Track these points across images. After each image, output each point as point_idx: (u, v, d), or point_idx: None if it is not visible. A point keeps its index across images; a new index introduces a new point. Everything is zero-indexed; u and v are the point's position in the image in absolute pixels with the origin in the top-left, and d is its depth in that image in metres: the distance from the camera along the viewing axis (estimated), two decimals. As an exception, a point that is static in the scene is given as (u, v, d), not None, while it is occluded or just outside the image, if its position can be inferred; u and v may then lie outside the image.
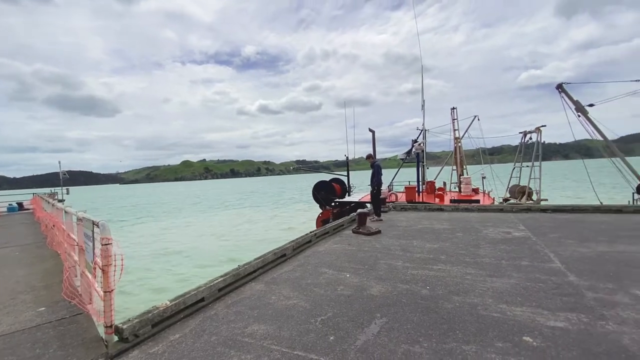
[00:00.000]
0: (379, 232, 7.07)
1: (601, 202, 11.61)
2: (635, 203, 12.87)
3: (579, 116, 13.44)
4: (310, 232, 6.65)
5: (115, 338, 2.71)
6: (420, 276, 4.11)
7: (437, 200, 15.29)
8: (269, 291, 3.83)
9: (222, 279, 3.80)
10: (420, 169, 16.68)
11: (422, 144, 17.03)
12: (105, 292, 2.67)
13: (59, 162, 22.12)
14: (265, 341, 2.66)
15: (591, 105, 13.33)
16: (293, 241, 5.78)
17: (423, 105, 19.61)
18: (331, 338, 2.66)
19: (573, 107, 13.52)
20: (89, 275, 3.40)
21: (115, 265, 2.68)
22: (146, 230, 27.41)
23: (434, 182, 19.11)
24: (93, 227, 3.03)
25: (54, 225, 7.14)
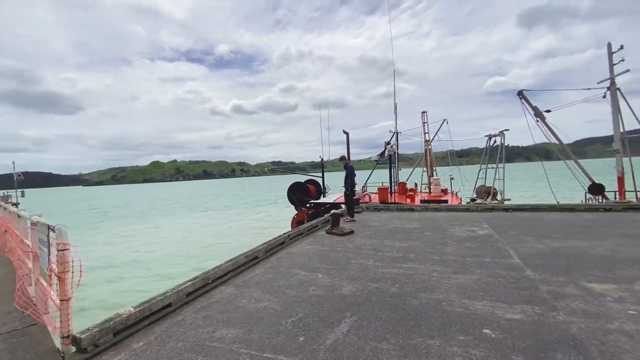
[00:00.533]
0: (352, 232, 7.18)
1: (557, 202, 12.44)
2: (587, 202, 13.91)
3: (538, 121, 14.36)
4: (284, 234, 6.63)
5: (73, 349, 2.56)
6: (390, 275, 4.22)
7: (408, 200, 15.74)
8: (239, 294, 3.78)
9: (190, 283, 3.71)
10: (392, 170, 17.10)
11: (394, 146, 17.48)
12: (61, 300, 2.52)
13: (13, 163, 20.55)
14: (234, 345, 2.62)
15: (548, 111, 14.29)
16: (265, 243, 5.73)
17: (396, 109, 20.14)
18: (301, 339, 2.67)
19: (532, 112, 14.42)
20: (44, 283, 3.20)
21: (73, 272, 2.54)
22: (101, 236, 26.06)
23: (406, 183, 19.65)
24: (48, 231, 2.85)
25: (5, 231, 6.63)
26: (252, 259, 5.04)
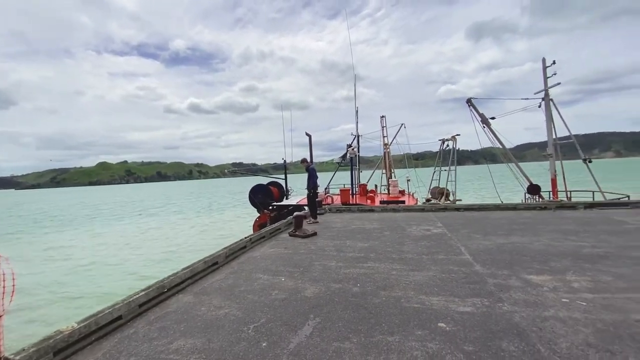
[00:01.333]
0: (315, 234, 7.21)
1: (501, 201, 13.57)
2: (526, 201, 15.33)
3: (484, 127, 15.56)
4: (245, 238, 6.47)
5: (3, 374, 2.27)
6: (352, 275, 4.31)
7: (368, 201, 16.20)
8: (198, 302, 3.61)
9: (143, 293, 3.47)
10: (354, 172, 17.49)
11: (355, 149, 17.89)
12: (-12, 320, 2.22)
13: None
14: (192, 356, 2.50)
15: (493, 118, 15.56)
16: (226, 248, 5.55)
17: (357, 113, 20.65)
18: (264, 344, 2.62)
19: (479, 119, 15.60)
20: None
21: (4, 287, 2.26)
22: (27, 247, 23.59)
23: (366, 185, 20.21)
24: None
25: None
26: (211, 265, 4.85)
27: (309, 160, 9.81)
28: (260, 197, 16.65)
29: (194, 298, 3.76)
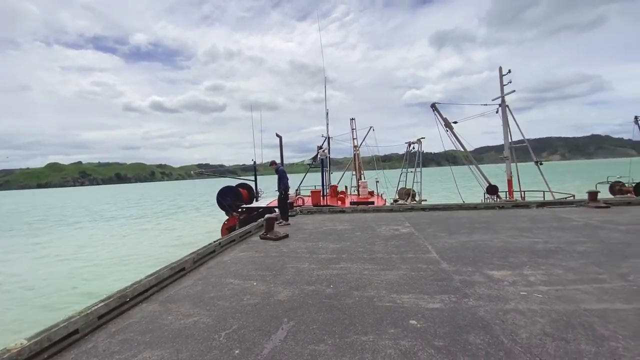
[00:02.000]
0: (286, 236, 7.14)
1: (463, 201, 14.33)
2: (485, 201, 16.31)
3: (447, 131, 16.35)
4: (214, 242, 6.27)
5: None
6: (325, 276, 4.32)
7: (339, 203, 16.36)
8: (164, 311, 3.43)
9: (103, 303, 3.23)
10: (324, 174, 17.61)
11: (326, 151, 18.03)
12: None
13: None
14: (160, 368, 2.37)
15: (455, 122, 16.42)
16: (194, 252, 5.34)
17: (327, 115, 20.82)
18: (236, 352, 2.54)
19: (443, 123, 16.39)
20: None
21: None
22: None
23: (337, 186, 20.41)
24: None
25: None
26: (178, 271, 4.63)
27: (278, 162, 9.76)
28: (229, 199, 16.23)
29: (160, 307, 3.56)
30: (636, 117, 17.64)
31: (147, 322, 3.17)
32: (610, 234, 6.04)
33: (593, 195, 9.90)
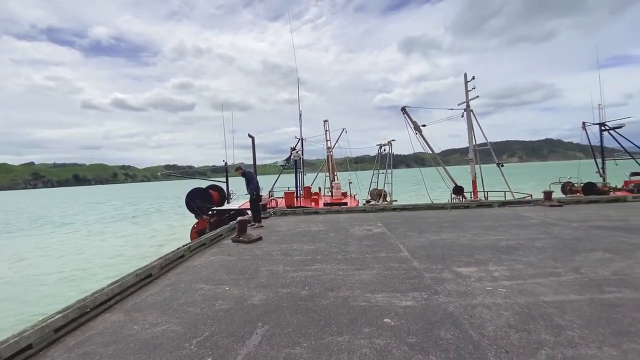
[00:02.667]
0: (260, 238, 7.02)
1: (432, 201, 14.86)
2: (452, 201, 17.03)
3: (416, 133, 16.92)
4: (184, 246, 6.03)
5: None
6: (300, 278, 4.29)
7: (313, 204, 16.37)
8: (129, 320, 3.24)
9: (60, 315, 2.99)
10: (298, 175, 17.54)
11: (299, 152, 17.99)
12: None
13: None
14: (126, 381, 2.23)
15: (424, 125, 17.04)
16: (161, 257, 5.09)
17: (300, 116, 20.79)
18: (209, 359, 2.45)
19: (412, 126, 16.93)
20: None
21: None
22: None
23: (310, 188, 20.41)
24: None
25: None
26: (144, 278, 4.39)
27: (244, 166, 9.42)
28: (199, 201, 15.70)
29: (125, 316, 3.36)
30: (584, 123, 19.24)
31: (110, 333, 2.98)
32: (564, 230, 6.49)
33: (548, 194, 10.63)
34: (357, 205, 15.79)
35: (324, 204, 16.32)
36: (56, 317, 2.96)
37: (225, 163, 18.10)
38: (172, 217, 36.92)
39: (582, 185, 17.56)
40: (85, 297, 3.42)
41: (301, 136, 20.38)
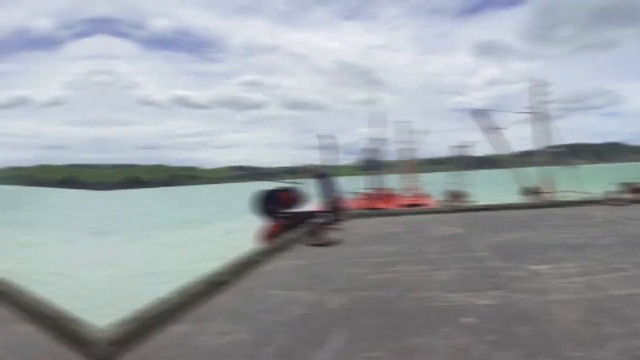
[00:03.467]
0: (337, 241, 6.87)
1: (508, 202, 14.25)
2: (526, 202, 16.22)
3: (492, 136, 16.61)
4: (255, 251, 6.05)
5: None
6: (378, 280, 4.27)
7: (391, 205, 16.13)
8: (197, 331, 2.98)
9: (122, 329, 2.70)
10: (376, 176, 17.51)
11: (377, 153, 18.09)
12: None
13: None
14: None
15: (500, 128, 16.95)
16: (232, 263, 4.91)
17: (379, 117, 21.00)
18: (285, 367, 2.40)
19: (485, 128, 16.76)
20: None
21: None
22: None
23: (390, 189, 20.25)
24: None
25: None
26: (214, 284, 4.11)
27: (318, 164, 9.54)
28: (270, 204, 15.62)
29: (192, 326, 3.08)
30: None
31: (176, 346, 2.73)
32: (627, 228, 6.64)
33: (614, 193, 10.94)
34: (435, 206, 15.31)
35: (403, 205, 15.97)
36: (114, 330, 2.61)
37: (298, 165, 18.34)
38: (241, 221, 34.30)
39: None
40: (146, 309, 3.04)
41: (380, 137, 20.41)
